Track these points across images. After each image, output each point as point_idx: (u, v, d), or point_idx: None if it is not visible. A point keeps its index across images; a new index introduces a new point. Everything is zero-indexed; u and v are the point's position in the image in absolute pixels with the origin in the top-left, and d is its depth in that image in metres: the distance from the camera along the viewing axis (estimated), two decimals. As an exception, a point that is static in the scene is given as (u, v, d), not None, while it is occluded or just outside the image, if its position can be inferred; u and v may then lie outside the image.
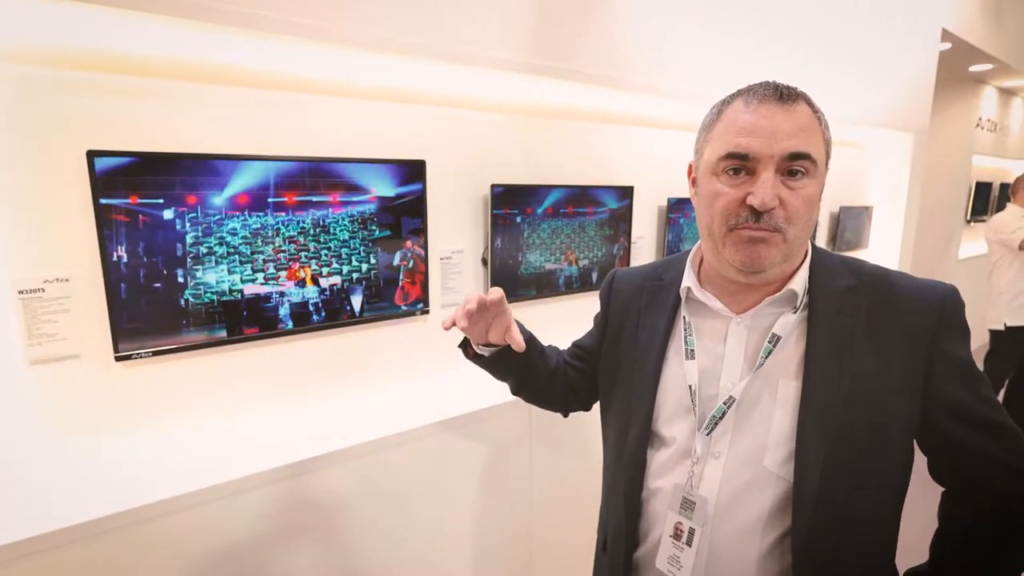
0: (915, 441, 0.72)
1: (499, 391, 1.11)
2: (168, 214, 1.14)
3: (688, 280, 0.80)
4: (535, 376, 0.96)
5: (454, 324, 0.82)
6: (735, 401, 0.72)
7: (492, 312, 0.86)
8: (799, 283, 0.72)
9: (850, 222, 3.14)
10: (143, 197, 1.11)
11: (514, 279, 1.71)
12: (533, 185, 1.70)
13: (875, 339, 0.69)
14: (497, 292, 0.83)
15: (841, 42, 2.52)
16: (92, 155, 1.05)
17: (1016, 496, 0.70)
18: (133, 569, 1.06)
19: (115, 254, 1.09)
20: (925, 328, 0.68)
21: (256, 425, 1.33)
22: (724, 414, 0.72)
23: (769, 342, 0.72)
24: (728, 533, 0.71)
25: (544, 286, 1.79)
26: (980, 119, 4.86)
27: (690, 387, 0.75)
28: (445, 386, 1.63)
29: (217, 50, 1.13)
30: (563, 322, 1.91)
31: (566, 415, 1.04)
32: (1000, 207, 5.28)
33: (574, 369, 1.00)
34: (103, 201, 1.07)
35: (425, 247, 1.49)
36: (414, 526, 1.44)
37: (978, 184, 5.06)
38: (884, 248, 3.39)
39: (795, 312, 0.72)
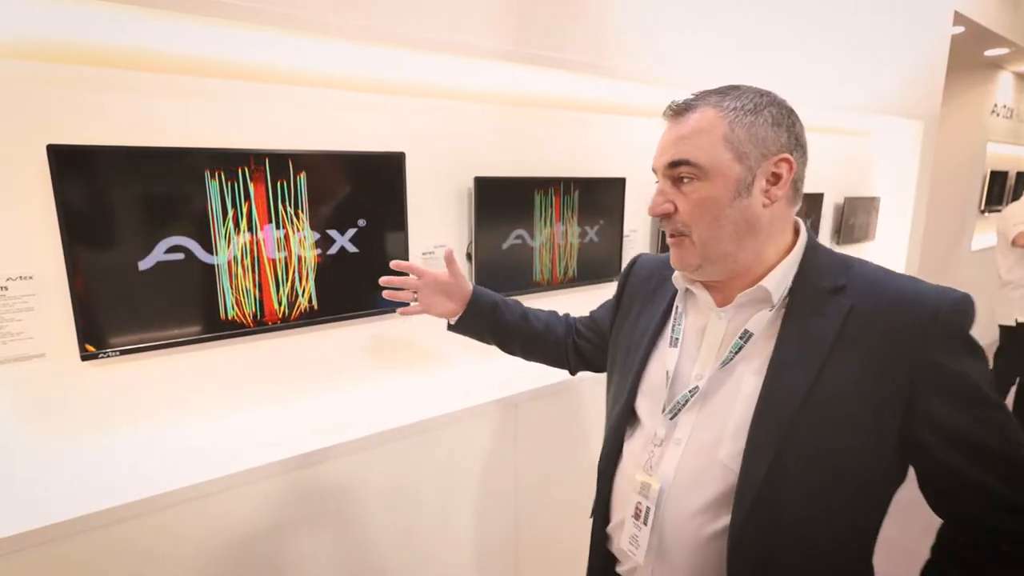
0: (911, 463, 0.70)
1: (484, 390, 1.13)
2: (132, 208, 1.11)
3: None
4: (513, 335, 1.12)
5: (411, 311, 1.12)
6: (699, 391, 0.75)
7: (439, 287, 1.10)
8: (774, 281, 0.72)
9: (856, 213, 3.05)
10: (106, 192, 1.08)
11: (500, 274, 1.66)
12: (518, 178, 1.65)
13: (852, 343, 0.67)
14: (416, 275, 1.10)
15: (845, 26, 2.42)
16: (53, 149, 1.02)
17: (1009, 534, 0.64)
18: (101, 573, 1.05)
19: (79, 250, 1.06)
20: (910, 336, 0.64)
21: (232, 425, 1.31)
22: (687, 402, 0.75)
23: (740, 338, 0.73)
24: (677, 517, 0.73)
25: (531, 281, 1.74)
26: (995, 106, 4.71)
27: (667, 372, 0.79)
28: (427, 385, 1.60)
29: (180, 40, 1.09)
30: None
31: (573, 373, 1.15)
32: (1017, 196, 5.13)
33: (584, 338, 1.10)
34: (65, 196, 1.04)
35: (405, 242, 1.45)
36: (397, 525, 1.41)
37: (993, 173, 4.92)
38: (892, 239, 3.30)
39: (771, 310, 0.72)
